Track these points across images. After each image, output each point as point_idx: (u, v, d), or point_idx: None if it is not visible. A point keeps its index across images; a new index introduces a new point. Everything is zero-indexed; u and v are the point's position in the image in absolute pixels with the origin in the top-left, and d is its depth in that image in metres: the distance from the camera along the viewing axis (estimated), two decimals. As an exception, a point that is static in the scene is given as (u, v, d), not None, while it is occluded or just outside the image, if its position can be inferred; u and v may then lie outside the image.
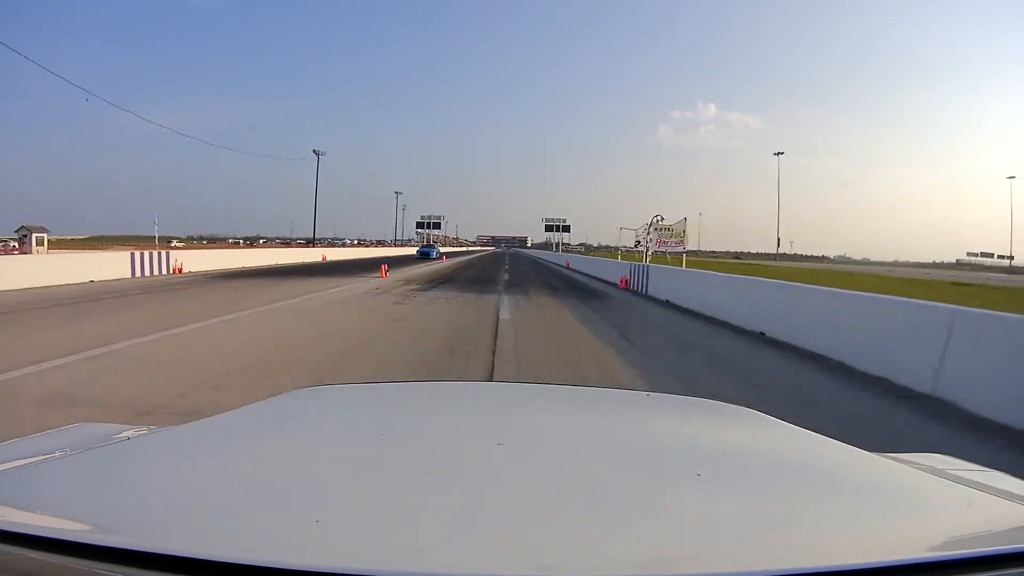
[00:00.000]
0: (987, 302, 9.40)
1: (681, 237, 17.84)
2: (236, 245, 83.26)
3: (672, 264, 18.10)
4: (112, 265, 15.47)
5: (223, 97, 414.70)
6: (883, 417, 4.20)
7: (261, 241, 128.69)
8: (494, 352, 5.91)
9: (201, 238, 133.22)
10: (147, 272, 16.45)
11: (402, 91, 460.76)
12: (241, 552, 0.50)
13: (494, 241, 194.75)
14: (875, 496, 0.76)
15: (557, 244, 68.29)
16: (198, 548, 0.51)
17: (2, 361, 4.66)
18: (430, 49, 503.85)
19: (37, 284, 11.87)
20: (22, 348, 5.35)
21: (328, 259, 31.23)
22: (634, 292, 14.67)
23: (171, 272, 17.41)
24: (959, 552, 0.58)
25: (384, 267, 18.99)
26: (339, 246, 64.96)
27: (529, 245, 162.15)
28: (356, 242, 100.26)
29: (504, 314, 9.05)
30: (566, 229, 74.80)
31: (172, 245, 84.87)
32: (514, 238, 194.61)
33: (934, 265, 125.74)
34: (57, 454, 0.86)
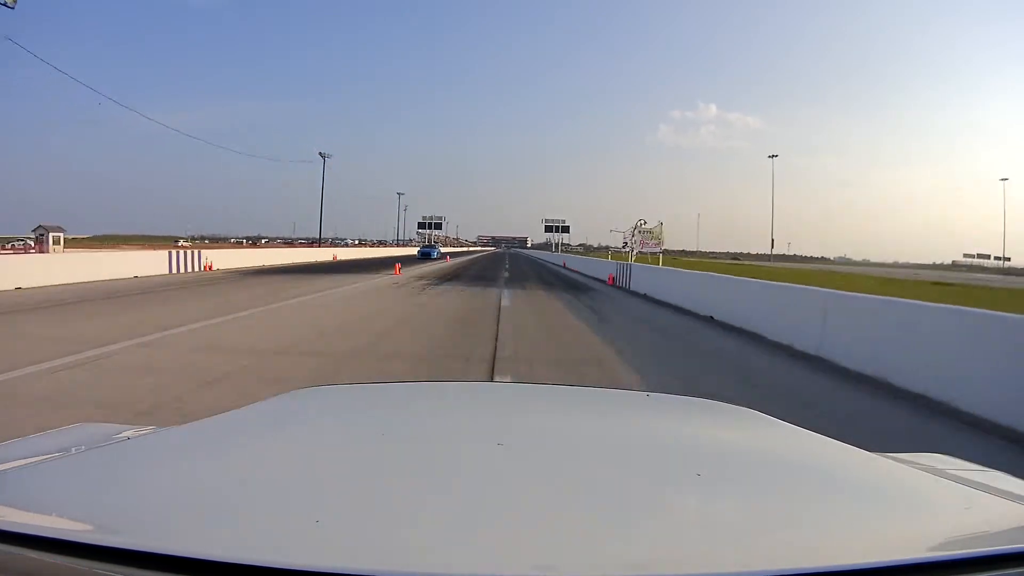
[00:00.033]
0: (935, 297, 11.05)
1: (659, 239, 19.99)
2: (239, 245, 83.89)
3: (660, 263, 20.23)
4: (150, 263, 17.05)
5: (223, 97, 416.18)
6: (781, 369, 6.02)
7: (263, 241, 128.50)
8: (497, 323, 7.96)
9: (203, 238, 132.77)
10: (182, 269, 17.99)
11: (402, 91, 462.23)
12: (241, 552, 0.51)
13: (494, 241, 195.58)
14: (875, 496, 0.77)
15: (556, 244, 70.07)
16: (198, 548, 0.51)
17: (164, 324, 6.65)
18: (430, 49, 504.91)
19: (96, 278, 13.30)
20: (165, 318, 7.25)
21: (338, 258, 32.90)
22: (619, 287, 16.64)
23: (202, 269, 18.89)
24: (959, 552, 0.59)
25: (398, 266, 21.11)
26: (341, 246, 66.20)
27: (529, 245, 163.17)
28: (357, 242, 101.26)
29: (505, 302, 11.03)
30: (565, 230, 76.30)
31: (179, 244, 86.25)
32: (514, 238, 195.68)
33: (933, 266, 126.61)
34: (57, 454, 0.86)
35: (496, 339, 6.83)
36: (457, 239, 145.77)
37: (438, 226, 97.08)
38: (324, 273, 18.71)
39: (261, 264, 22.78)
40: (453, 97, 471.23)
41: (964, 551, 0.59)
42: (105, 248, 37.93)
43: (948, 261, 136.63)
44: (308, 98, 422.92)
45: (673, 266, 19.05)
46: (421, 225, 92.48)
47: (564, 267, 31.73)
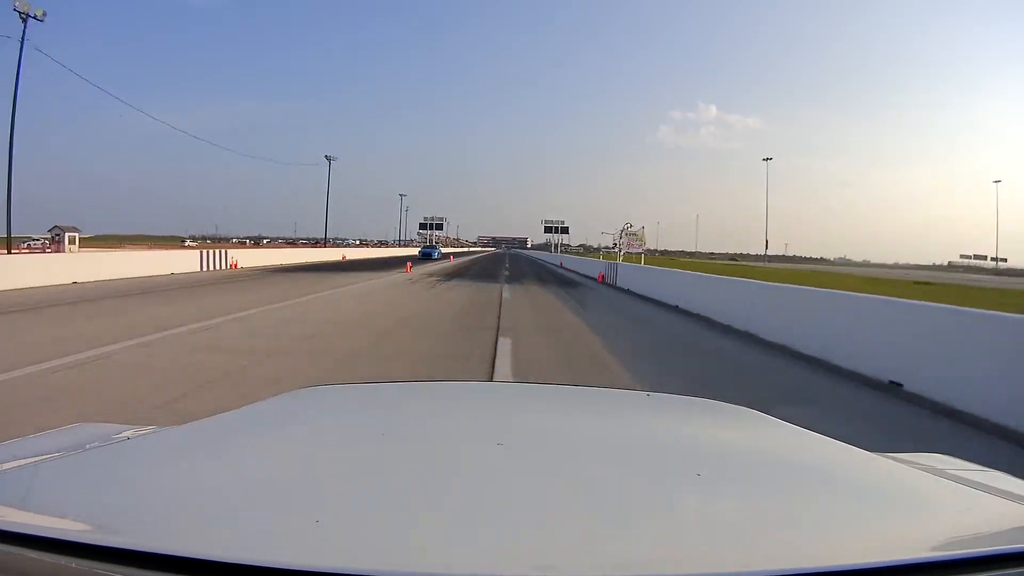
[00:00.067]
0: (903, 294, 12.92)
1: (642, 240, 22.26)
2: (242, 245, 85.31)
3: (649, 263, 22.34)
4: (183, 261, 18.58)
5: (223, 97, 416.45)
6: (719, 341, 7.88)
7: (265, 241, 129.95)
8: (500, 307, 10.05)
9: (204, 238, 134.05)
10: (211, 267, 19.62)
11: (402, 91, 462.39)
12: (241, 552, 0.51)
13: (494, 242, 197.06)
14: (875, 496, 0.77)
15: (555, 245, 71.97)
16: (198, 548, 0.52)
17: (245, 306, 8.60)
18: (430, 49, 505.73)
19: (139, 275, 14.75)
20: (242, 302, 9.17)
21: (347, 258, 34.72)
22: (607, 284, 18.68)
23: (229, 267, 20.49)
24: (959, 552, 0.59)
25: (409, 264, 23.21)
26: (343, 246, 67.58)
27: (529, 246, 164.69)
28: (358, 242, 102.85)
29: (505, 295, 13.09)
30: (564, 231, 77.82)
31: (186, 245, 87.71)
32: (514, 239, 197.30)
33: (932, 267, 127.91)
34: (57, 454, 0.86)
35: (499, 318, 8.83)
36: (457, 239, 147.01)
37: (439, 227, 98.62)
38: (341, 271, 20.50)
39: (279, 263, 24.53)
40: (453, 97, 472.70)
41: (964, 551, 0.59)
42: (111, 248, 38.31)
43: (946, 262, 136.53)
44: (308, 98, 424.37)
45: (670, 267, 20.99)
46: (423, 226, 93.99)
47: (560, 267, 33.60)
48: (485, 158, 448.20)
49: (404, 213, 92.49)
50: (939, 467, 1.00)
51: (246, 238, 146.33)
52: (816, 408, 4.26)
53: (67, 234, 39.40)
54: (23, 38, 22.68)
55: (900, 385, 4.84)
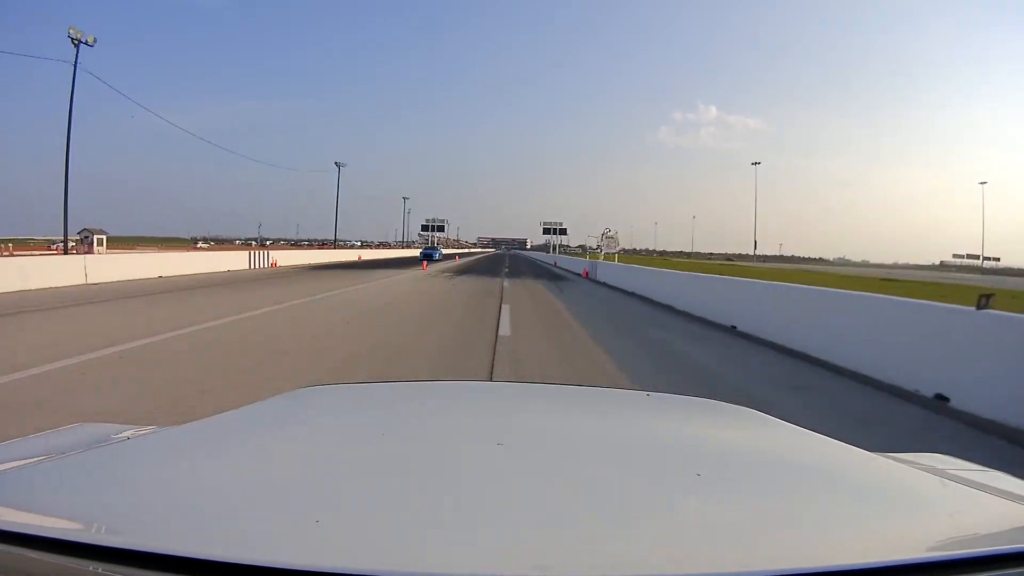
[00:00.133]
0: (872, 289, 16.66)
1: (617, 242, 27.12)
2: (248, 246, 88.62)
3: (640, 263, 26.52)
4: (234, 260, 21.45)
5: (223, 97, 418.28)
6: (678, 323, 10.07)
7: (268, 243, 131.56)
8: (502, 293, 13.89)
9: (207, 239, 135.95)
10: (256, 266, 22.65)
11: (402, 91, 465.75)
12: (241, 552, 0.51)
13: (494, 243, 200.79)
14: (875, 496, 0.77)
15: (554, 246, 75.40)
16: (198, 548, 0.52)
17: (319, 290, 12.22)
18: (430, 49, 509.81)
19: (203, 271, 17.80)
20: (315, 287, 12.75)
21: (363, 258, 37.98)
22: (589, 279, 22.67)
23: (269, 266, 23.44)
24: (959, 552, 0.59)
25: (424, 263, 27.10)
26: (348, 247, 70.26)
27: (529, 247, 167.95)
28: (361, 243, 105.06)
29: (506, 284, 17.02)
30: (563, 232, 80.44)
31: (198, 246, 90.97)
32: (514, 240, 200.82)
33: (930, 267, 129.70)
34: (57, 454, 0.87)
35: (501, 296, 12.70)
36: (457, 240, 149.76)
37: (441, 228, 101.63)
38: (365, 269, 23.81)
39: (309, 262, 27.77)
40: (453, 97, 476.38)
41: (964, 551, 0.60)
42: (130, 250, 40.13)
43: (948, 262, 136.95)
44: (308, 98, 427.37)
45: (666, 267, 24.67)
46: (424, 227, 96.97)
47: (555, 266, 37.80)
48: (485, 158, 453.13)
49: (406, 214, 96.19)
50: (939, 467, 1.02)
51: (251, 239, 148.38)
52: (667, 331, 7.96)
53: (95, 236, 43.13)
54: (76, 62, 25.05)
55: (734, 327, 8.53)
